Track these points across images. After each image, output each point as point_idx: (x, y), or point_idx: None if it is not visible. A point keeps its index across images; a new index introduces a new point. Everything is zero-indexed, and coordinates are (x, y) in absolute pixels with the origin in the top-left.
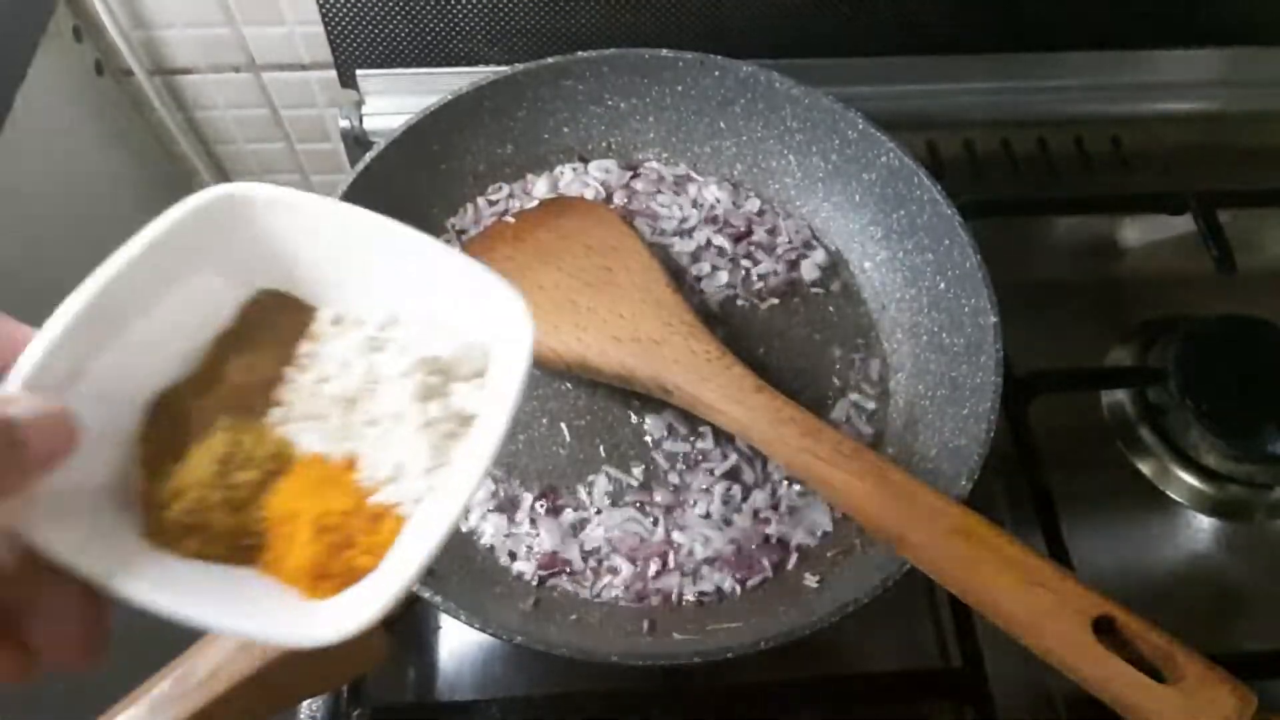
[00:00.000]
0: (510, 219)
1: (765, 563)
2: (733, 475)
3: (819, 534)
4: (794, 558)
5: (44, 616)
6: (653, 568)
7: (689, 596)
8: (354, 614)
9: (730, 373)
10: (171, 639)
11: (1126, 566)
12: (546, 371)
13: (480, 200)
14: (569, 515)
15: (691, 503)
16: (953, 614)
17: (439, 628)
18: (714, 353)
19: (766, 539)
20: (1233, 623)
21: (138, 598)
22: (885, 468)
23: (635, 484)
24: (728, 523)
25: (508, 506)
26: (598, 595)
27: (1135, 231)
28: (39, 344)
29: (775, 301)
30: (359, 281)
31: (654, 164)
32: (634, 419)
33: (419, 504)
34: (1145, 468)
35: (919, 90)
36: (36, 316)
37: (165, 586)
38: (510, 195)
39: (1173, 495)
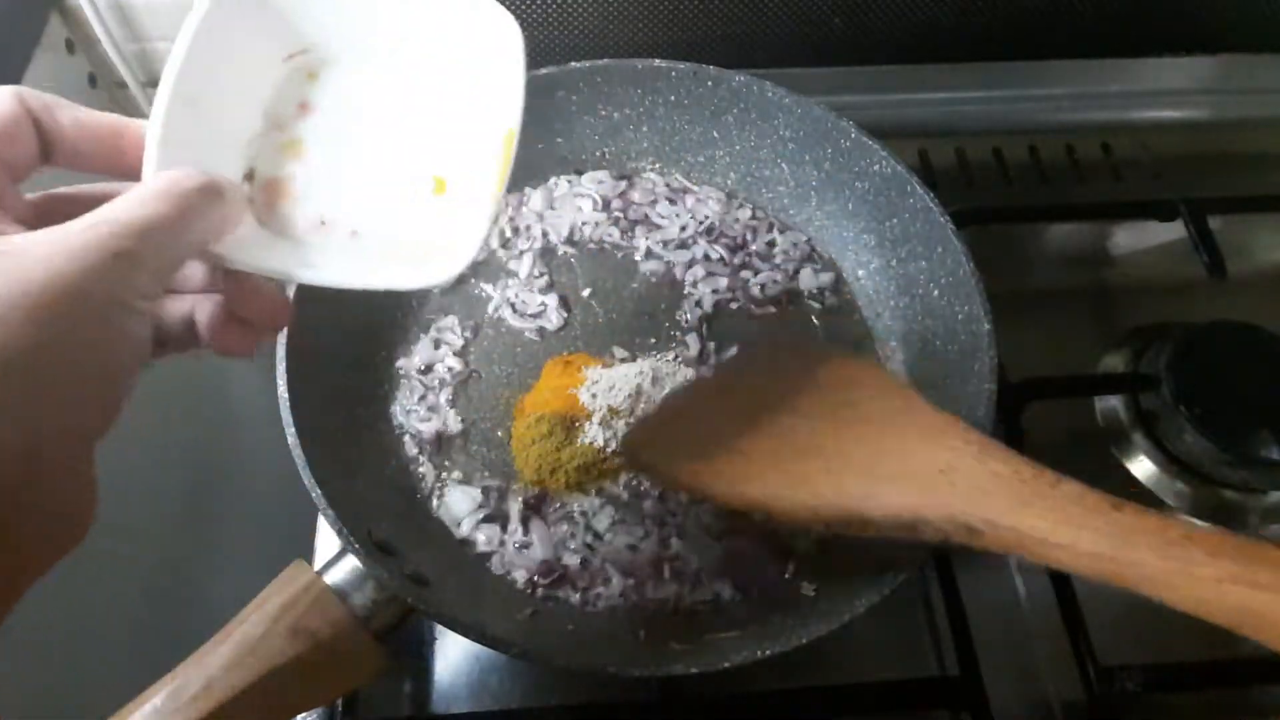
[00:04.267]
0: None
1: (769, 569)
2: None
3: (814, 543)
4: (791, 566)
5: (249, 301)
6: (649, 576)
7: (688, 604)
8: (458, 257)
9: (1059, 490)
10: (168, 649)
11: None
12: (801, 531)
13: None
14: (562, 527)
15: (689, 513)
16: (949, 622)
17: (435, 639)
18: (1025, 471)
19: (765, 546)
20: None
21: (302, 277)
22: None
23: (625, 496)
24: (726, 530)
25: (499, 517)
26: (593, 604)
27: (1126, 238)
28: (152, 135)
29: (771, 310)
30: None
31: (650, 174)
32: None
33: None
34: (1139, 473)
35: (911, 99)
36: None
37: (310, 264)
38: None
39: (1166, 500)
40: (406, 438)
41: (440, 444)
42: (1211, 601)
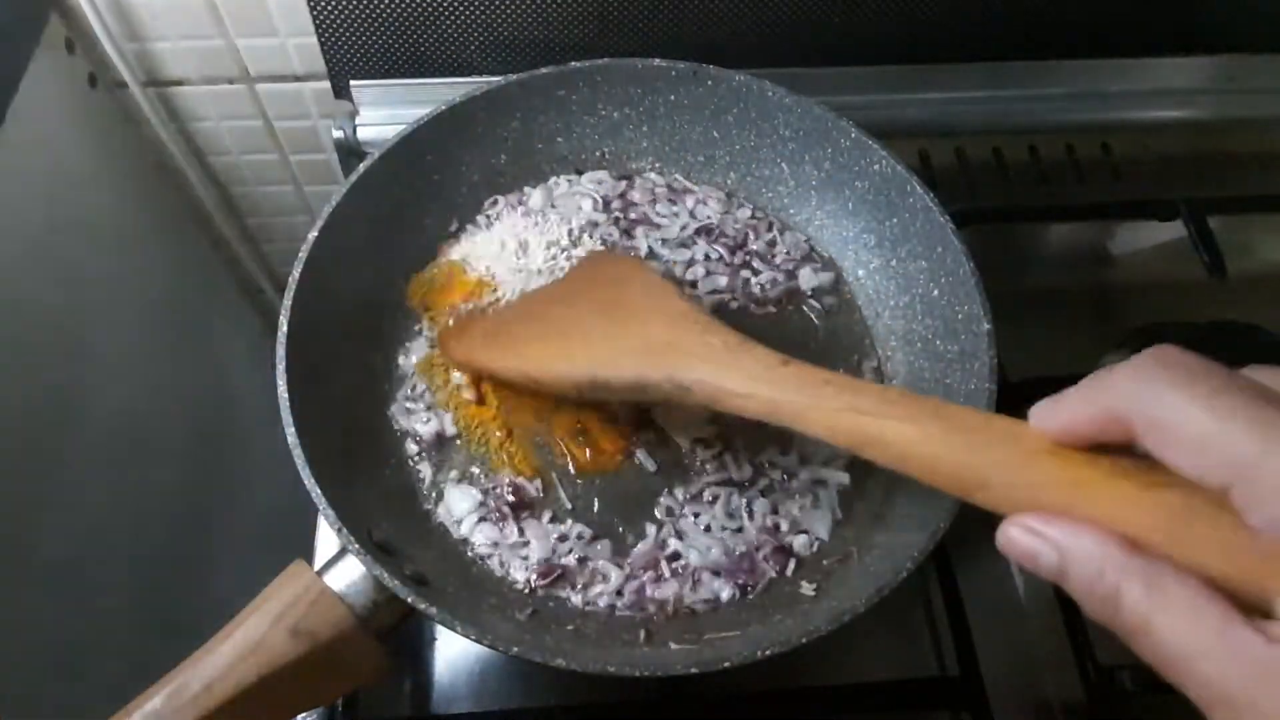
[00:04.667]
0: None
1: (768, 569)
2: (731, 482)
3: (816, 542)
4: (793, 564)
5: None
6: (648, 575)
7: (688, 604)
8: None
9: (752, 354)
10: (168, 650)
11: None
12: (561, 399)
13: (479, 217)
14: (556, 525)
15: (690, 512)
16: (949, 622)
17: (435, 639)
18: (732, 341)
19: (769, 545)
20: None
21: None
22: (940, 405)
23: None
24: (728, 529)
25: (495, 517)
26: (593, 604)
27: (1126, 238)
28: None
29: (771, 309)
30: None
31: (650, 174)
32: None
33: None
34: None
35: (911, 99)
36: (31, 323)
37: None
38: (505, 206)
39: None
40: (406, 438)
41: (439, 444)
42: (839, 426)
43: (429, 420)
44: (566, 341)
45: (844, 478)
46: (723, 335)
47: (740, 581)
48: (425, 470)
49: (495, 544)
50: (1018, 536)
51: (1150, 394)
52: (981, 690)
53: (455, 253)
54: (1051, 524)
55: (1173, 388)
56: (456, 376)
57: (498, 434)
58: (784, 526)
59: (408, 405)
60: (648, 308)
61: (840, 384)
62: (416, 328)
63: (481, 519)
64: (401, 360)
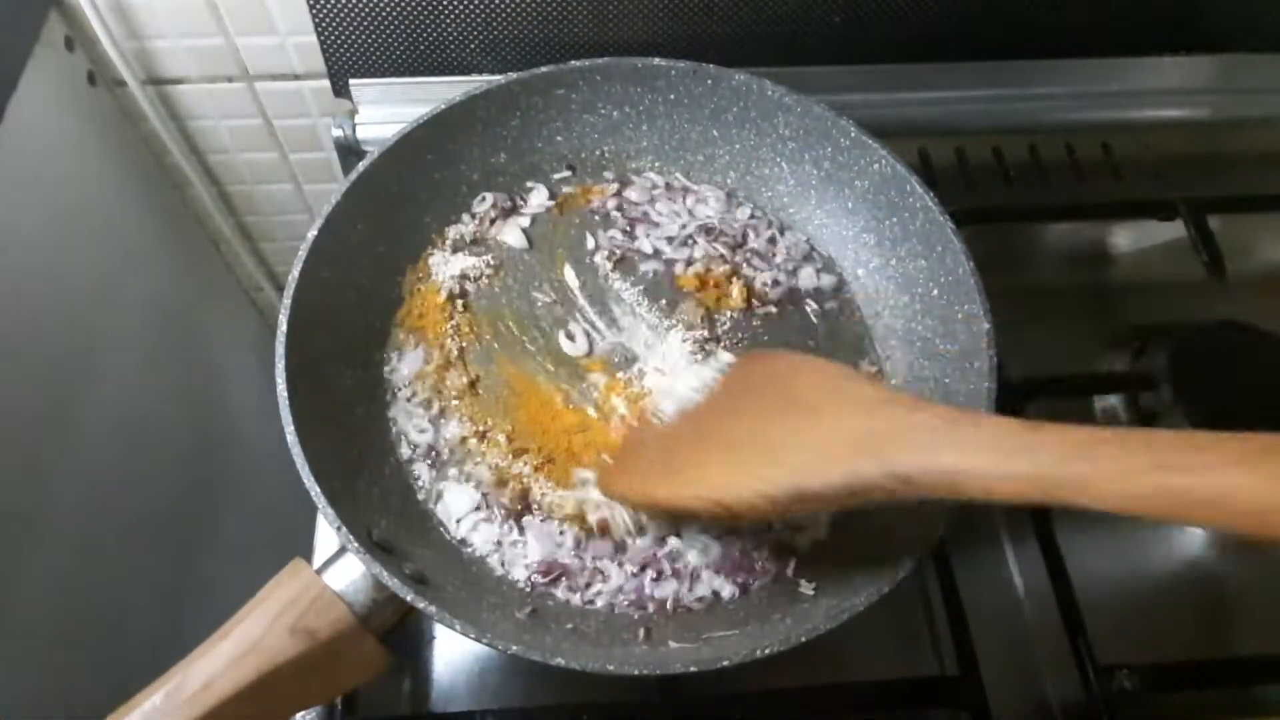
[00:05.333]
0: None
1: (768, 567)
2: None
3: (816, 540)
4: (793, 563)
5: None
6: (648, 574)
7: (687, 603)
8: None
9: (985, 424)
10: (167, 647)
11: (1120, 570)
12: (759, 523)
13: (465, 214)
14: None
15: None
16: (949, 621)
17: (434, 638)
18: (952, 413)
19: (768, 543)
20: (1226, 627)
21: None
22: (1267, 439)
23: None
24: (728, 529)
25: (495, 517)
26: (592, 603)
27: (1126, 238)
28: None
29: (772, 309)
30: None
31: (650, 173)
32: None
33: None
34: None
35: (911, 98)
36: (28, 323)
37: None
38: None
39: None
40: (404, 439)
41: (437, 450)
42: (1138, 495)
43: (424, 430)
44: (752, 456)
45: None
46: (936, 411)
47: (740, 580)
48: (423, 470)
49: (496, 543)
50: None
51: None
52: (980, 689)
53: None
54: None
55: None
56: (452, 378)
57: (501, 438)
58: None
59: (407, 408)
60: (833, 398)
61: (1122, 440)
62: (412, 342)
63: (482, 520)
64: (399, 367)
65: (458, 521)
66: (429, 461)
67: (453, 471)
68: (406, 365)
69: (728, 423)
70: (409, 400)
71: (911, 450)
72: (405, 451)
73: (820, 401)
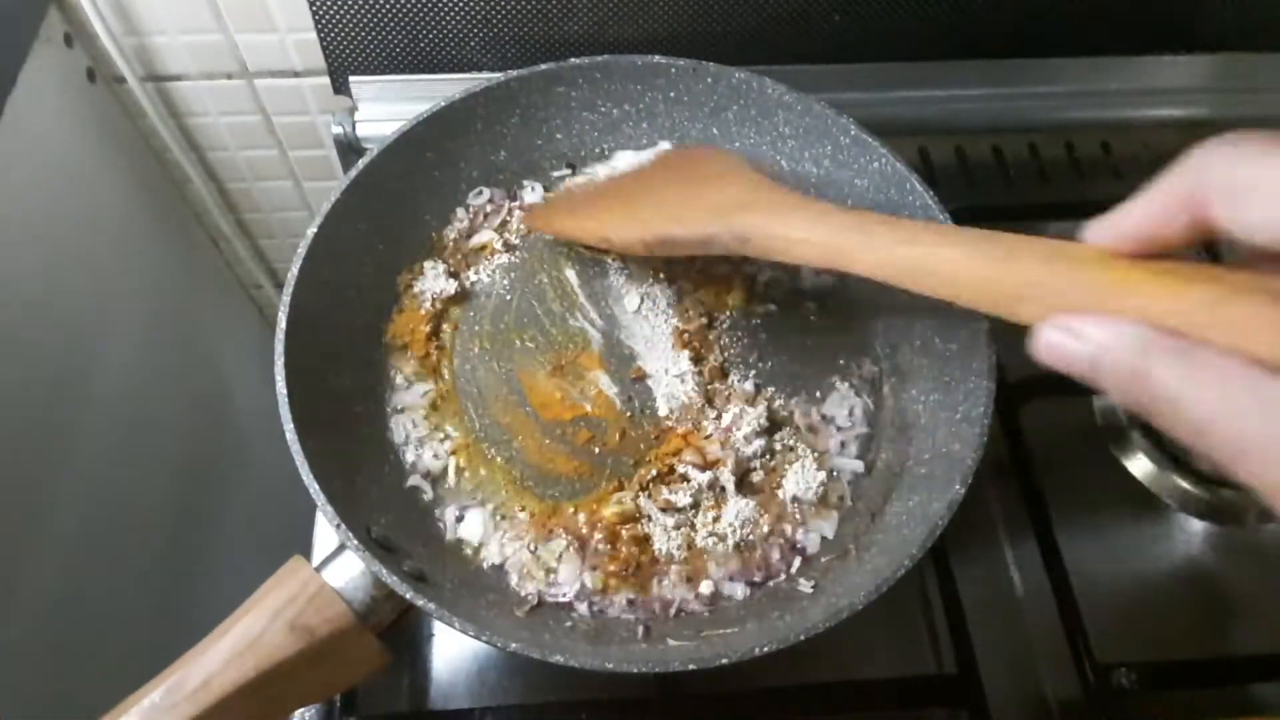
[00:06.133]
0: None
1: (777, 567)
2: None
3: (821, 540)
4: (798, 562)
5: None
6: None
7: (690, 604)
8: None
9: (814, 204)
10: (166, 645)
11: (1118, 569)
12: (633, 258)
13: (459, 209)
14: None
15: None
16: (947, 620)
17: (432, 636)
18: (797, 198)
19: (778, 544)
20: (1224, 626)
21: None
22: (987, 233)
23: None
24: (743, 528)
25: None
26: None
27: None
28: None
29: (772, 307)
30: None
31: None
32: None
33: None
34: (1137, 471)
35: (911, 96)
36: (27, 320)
37: None
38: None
39: (1164, 499)
40: (403, 443)
41: (438, 478)
42: (893, 259)
43: (423, 454)
44: (640, 207)
45: (858, 465)
46: (792, 195)
47: (749, 580)
48: (428, 491)
49: (494, 542)
50: (1051, 335)
51: (1230, 158)
52: (979, 688)
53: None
54: (1086, 320)
55: (1253, 147)
56: (450, 382)
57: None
58: (796, 520)
59: (407, 416)
60: (721, 175)
61: (894, 223)
62: (402, 373)
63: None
64: (399, 386)
65: (457, 520)
66: (428, 465)
67: (452, 474)
68: (407, 369)
69: (633, 184)
70: (408, 432)
71: (754, 218)
72: (408, 457)
73: (712, 177)
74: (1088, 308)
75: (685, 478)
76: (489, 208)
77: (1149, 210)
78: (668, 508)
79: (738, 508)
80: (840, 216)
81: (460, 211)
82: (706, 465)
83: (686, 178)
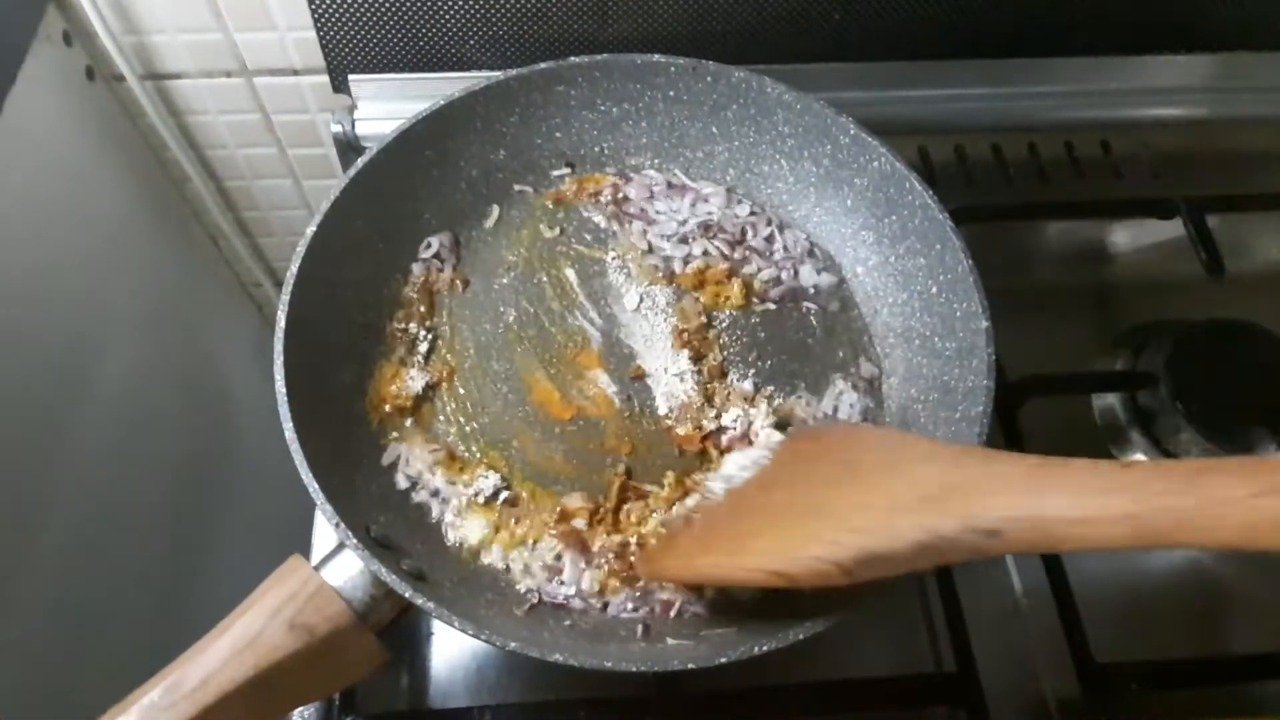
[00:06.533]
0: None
1: None
2: None
3: None
4: None
5: None
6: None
7: (691, 605)
8: None
9: (1070, 468)
10: (165, 644)
11: (1117, 569)
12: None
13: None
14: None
15: None
16: (946, 619)
17: (431, 634)
18: (1031, 460)
19: None
20: (1222, 625)
21: None
22: None
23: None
24: None
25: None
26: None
27: (1125, 236)
28: None
29: (771, 307)
30: None
31: (649, 170)
32: None
33: None
34: None
35: (911, 96)
36: (26, 319)
37: None
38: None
39: None
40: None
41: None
42: (1252, 524)
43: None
44: (813, 522)
45: None
46: (1014, 459)
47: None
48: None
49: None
50: None
51: None
52: (978, 687)
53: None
54: None
55: None
56: (449, 387)
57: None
58: None
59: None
60: (896, 459)
61: (1221, 468)
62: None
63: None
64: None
65: (456, 519)
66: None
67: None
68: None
69: (782, 494)
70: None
71: (994, 500)
72: (406, 473)
73: (882, 465)
74: None
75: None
76: (437, 263)
77: None
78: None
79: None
80: (1129, 477)
81: (416, 268)
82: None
83: (846, 470)
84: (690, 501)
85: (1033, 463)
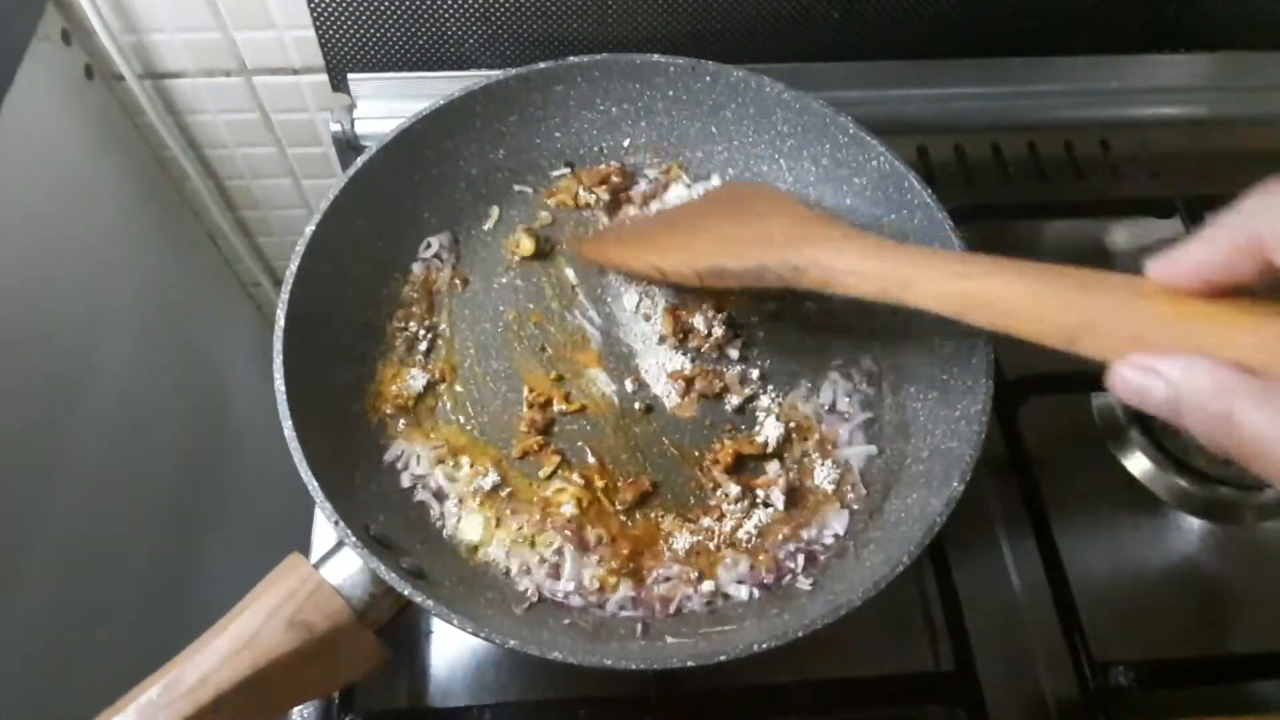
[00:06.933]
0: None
1: (789, 567)
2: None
3: (832, 537)
4: (802, 559)
5: None
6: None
7: (692, 605)
8: None
9: (865, 237)
10: (165, 642)
11: (1116, 567)
12: (685, 288)
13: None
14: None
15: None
16: (945, 618)
17: (431, 632)
18: (851, 230)
19: (794, 545)
20: (1221, 624)
21: None
22: (1043, 265)
23: None
24: (760, 535)
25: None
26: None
27: (1124, 235)
28: None
29: (771, 305)
30: None
31: (648, 170)
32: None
33: None
34: (1135, 470)
35: (910, 95)
36: (24, 318)
37: None
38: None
39: (1162, 497)
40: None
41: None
42: (948, 291)
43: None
44: (692, 238)
45: (871, 449)
46: (843, 227)
47: (765, 582)
48: (427, 488)
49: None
50: (1129, 375)
51: None
52: (977, 685)
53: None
54: (1163, 359)
55: None
56: (447, 387)
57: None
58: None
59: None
60: (774, 211)
61: (946, 255)
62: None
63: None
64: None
65: (455, 517)
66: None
67: (449, 474)
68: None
69: (686, 217)
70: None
71: (808, 250)
72: (406, 455)
73: (762, 211)
74: (1155, 343)
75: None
76: (438, 262)
77: (1211, 253)
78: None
79: (761, 516)
80: (895, 250)
81: (417, 268)
82: (750, 486)
83: (739, 211)
84: (632, 213)
85: (851, 231)
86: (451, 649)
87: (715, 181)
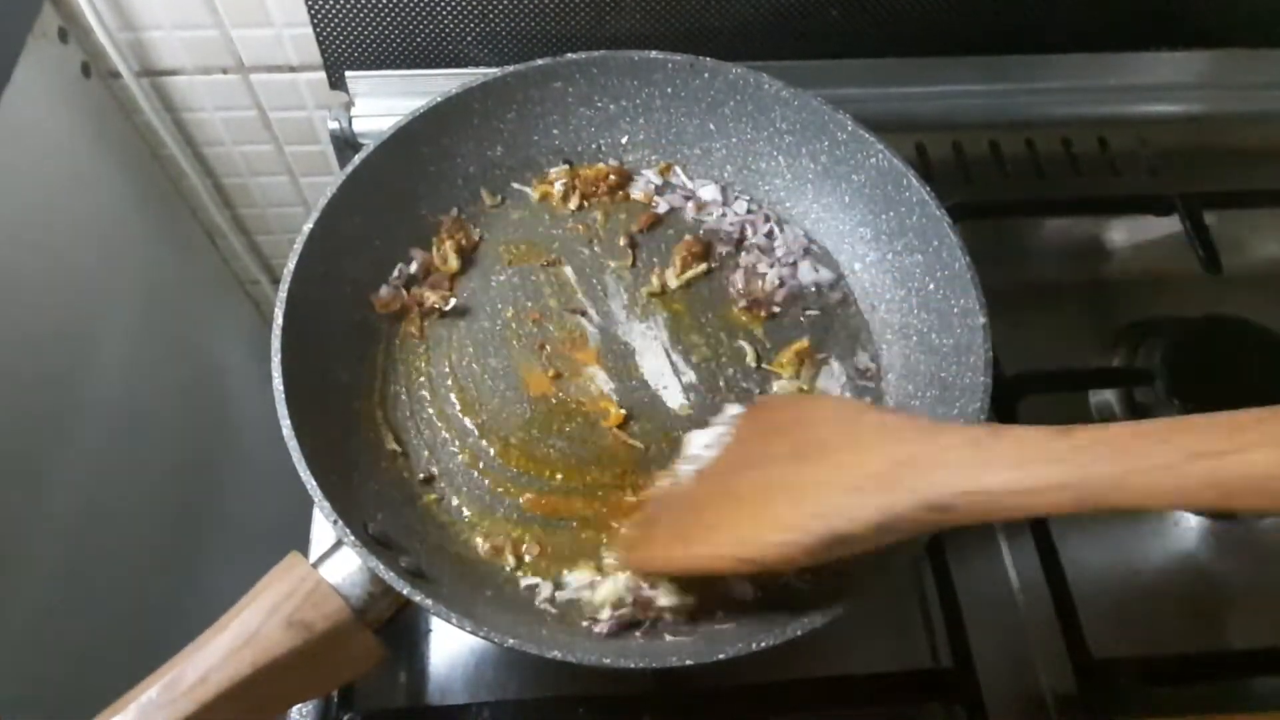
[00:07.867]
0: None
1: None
2: None
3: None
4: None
5: None
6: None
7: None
8: None
9: (1013, 436)
10: (164, 641)
11: (1115, 566)
12: (790, 569)
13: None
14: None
15: None
16: (943, 615)
17: (429, 631)
18: (978, 433)
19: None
20: (1220, 621)
21: None
22: None
23: None
24: None
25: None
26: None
27: (1122, 233)
28: None
29: (772, 305)
30: None
31: (647, 168)
32: None
33: None
34: None
35: (908, 92)
36: (22, 316)
37: None
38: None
39: None
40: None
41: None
42: (1182, 486)
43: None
44: (776, 505)
45: None
46: (961, 431)
47: (761, 582)
48: (425, 487)
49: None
50: None
51: None
52: (975, 682)
53: None
54: None
55: None
56: (445, 385)
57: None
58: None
59: (405, 416)
60: (849, 433)
61: (1155, 429)
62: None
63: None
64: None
65: (454, 516)
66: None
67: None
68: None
69: (746, 476)
70: (407, 412)
71: (943, 476)
72: (405, 454)
73: (836, 439)
74: None
75: None
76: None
77: None
78: None
79: None
80: (1067, 445)
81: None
82: None
83: (806, 446)
84: (664, 483)
85: (974, 435)
86: (450, 647)
87: (712, 185)
